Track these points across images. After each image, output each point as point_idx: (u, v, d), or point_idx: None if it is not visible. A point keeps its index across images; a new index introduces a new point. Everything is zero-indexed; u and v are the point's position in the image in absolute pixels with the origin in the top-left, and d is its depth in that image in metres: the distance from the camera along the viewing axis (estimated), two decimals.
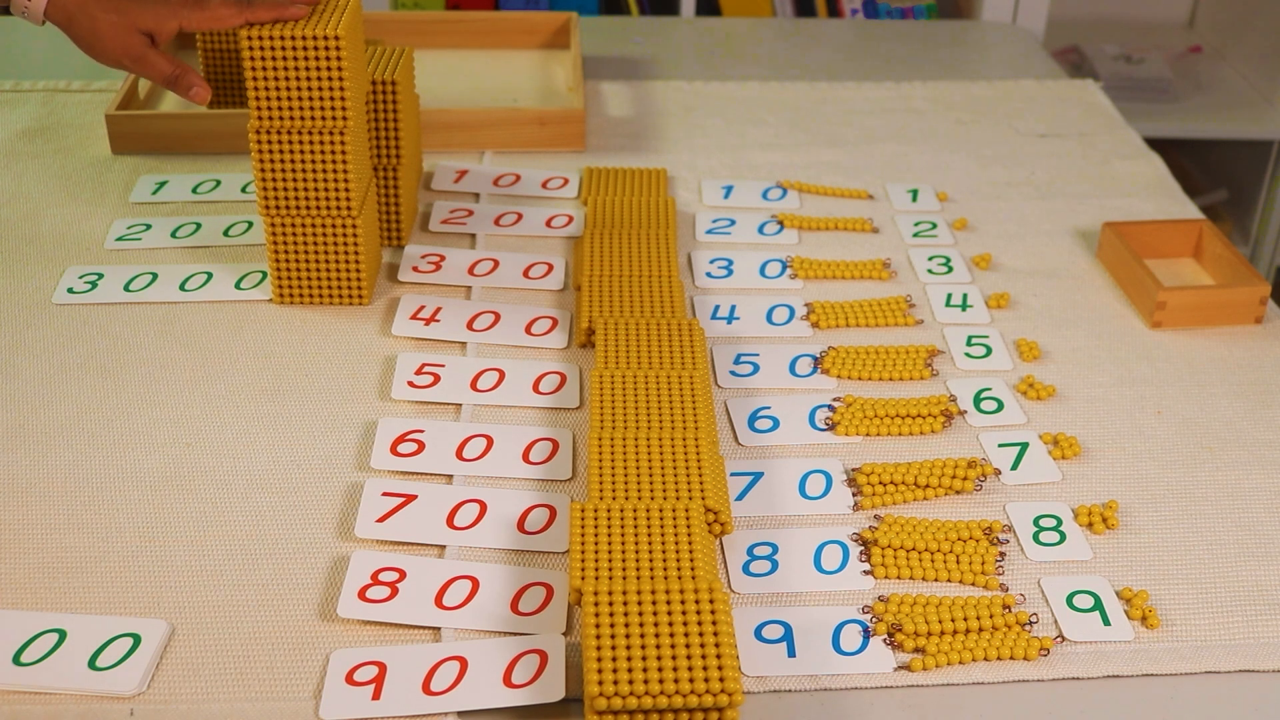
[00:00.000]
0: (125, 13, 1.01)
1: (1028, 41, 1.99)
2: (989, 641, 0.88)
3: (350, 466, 1.03)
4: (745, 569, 0.94)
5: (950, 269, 1.32)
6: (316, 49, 1.10)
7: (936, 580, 0.95)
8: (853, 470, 1.04)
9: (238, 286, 1.24)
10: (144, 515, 0.97)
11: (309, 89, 1.12)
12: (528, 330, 1.19)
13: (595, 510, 0.91)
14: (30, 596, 0.90)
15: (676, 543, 0.89)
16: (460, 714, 0.83)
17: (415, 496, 0.99)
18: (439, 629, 0.89)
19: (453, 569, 0.93)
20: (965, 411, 1.12)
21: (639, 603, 0.82)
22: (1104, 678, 0.88)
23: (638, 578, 0.86)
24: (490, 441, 1.05)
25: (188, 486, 1.00)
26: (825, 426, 1.09)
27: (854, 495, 1.02)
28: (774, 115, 1.65)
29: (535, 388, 1.12)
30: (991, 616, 0.90)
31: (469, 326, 1.19)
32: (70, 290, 1.22)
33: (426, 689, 0.83)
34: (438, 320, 1.19)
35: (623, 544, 0.89)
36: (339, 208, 1.17)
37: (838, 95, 1.72)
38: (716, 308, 1.24)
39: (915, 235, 1.38)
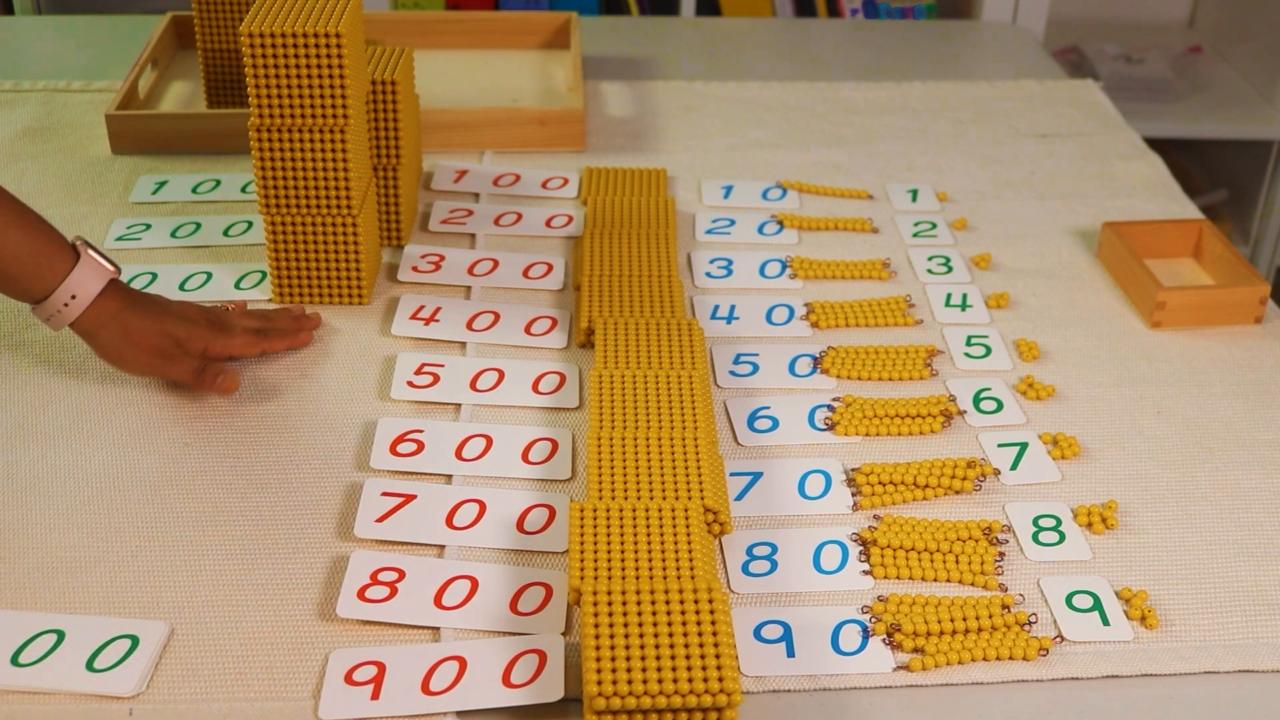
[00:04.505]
0: (160, 320, 1.05)
1: (1028, 41, 1.99)
2: (988, 641, 0.88)
3: (350, 466, 1.03)
4: (744, 569, 0.94)
5: (950, 269, 1.32)
6: (317, 46, 1.10)
7: (936, 580, 0.94)
8: (852, 470, 1.04)
9: (237, 286, 1.24)
10: (144, 515, 0.97)
11: (309, 87, 1.12)
12: (527, 330, 1.19)
13: (594, 510, 0.91)
14: (29, 596, 0.90)
15: (676, 543, 0.89)
16: (459, 714, 0.83)
17: (414, 496, 0.99)
18: (438, 629, 0.89)
19: (452, 569, 0.93)
20: (965, 411, 1.12)
21: (638, 603, 0.82)
22: (1103, 678, 0.88)
23: (637, 578, 0.86)
24: (490, 441, 1.05)
25: (187, 486, 1.00)
26: (825, 426, 1.09)
27: (853, 495, 1.02)
28: (774, 115, 1.65)
29: (535, 387, 1.12)
30: (991, 616, 0.90)
31: (469, 326, 1.19)
32: None
33: (425, 689, 0.83)
34: (437, 320, 1.19)
35: (622, 544, 0.88)
36: (339, 206, 1.17)
37: (838, 95, 1.72)
38: (716, 308, 1.24)
39: (915, 235, 1.38)
